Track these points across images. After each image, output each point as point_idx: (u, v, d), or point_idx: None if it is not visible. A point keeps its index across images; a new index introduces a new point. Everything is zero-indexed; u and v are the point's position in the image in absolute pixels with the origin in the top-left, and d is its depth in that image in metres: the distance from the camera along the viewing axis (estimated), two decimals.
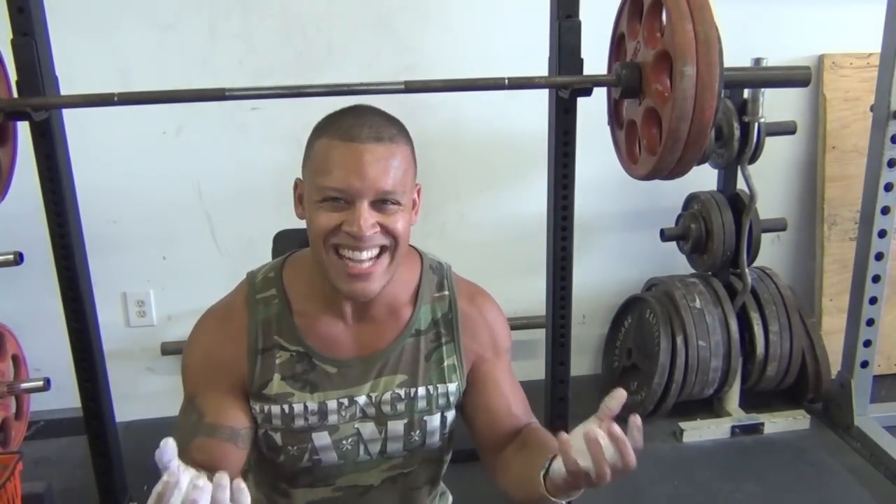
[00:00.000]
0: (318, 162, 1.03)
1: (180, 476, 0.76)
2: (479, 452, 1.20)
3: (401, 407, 1.14)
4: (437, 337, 1.16)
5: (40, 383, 2.11)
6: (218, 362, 1.11)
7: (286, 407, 1.11)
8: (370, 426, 1.14)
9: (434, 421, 1.16)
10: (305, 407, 1.12)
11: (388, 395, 1.14)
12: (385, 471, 1.19)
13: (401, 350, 1.15)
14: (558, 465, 0.94)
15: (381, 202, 1.02)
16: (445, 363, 1.16)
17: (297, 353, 1.12)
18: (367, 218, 1.00)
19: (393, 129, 1.05)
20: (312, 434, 1.13)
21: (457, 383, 1.17)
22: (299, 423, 1.12)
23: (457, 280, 1.21)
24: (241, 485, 0.79)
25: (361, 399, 1.13)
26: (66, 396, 2.30)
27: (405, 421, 1.15)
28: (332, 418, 1.13)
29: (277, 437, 1.13)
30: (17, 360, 2.26)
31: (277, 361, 1.11)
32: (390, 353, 1.14)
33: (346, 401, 1.13)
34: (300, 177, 1.10)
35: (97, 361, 1.89)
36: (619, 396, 0.93)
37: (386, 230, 1.03)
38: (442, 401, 1.16)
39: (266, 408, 1.12)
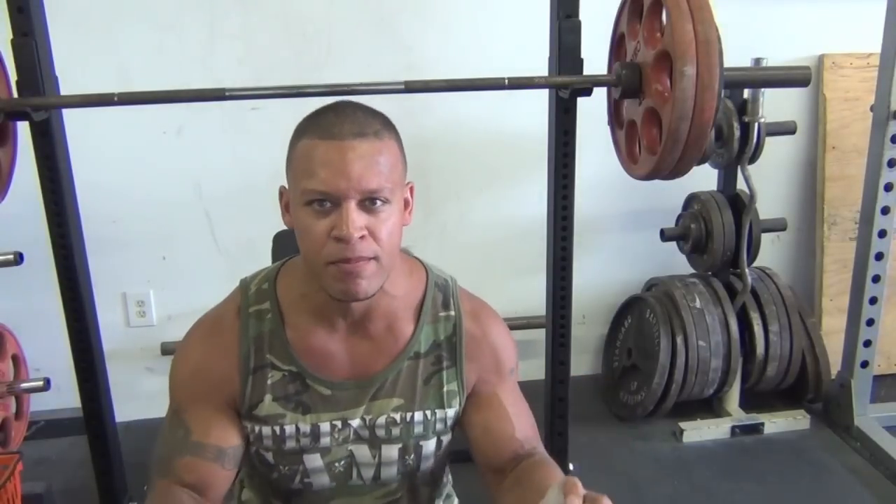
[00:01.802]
0: (301, 164, 0.98)
1: None
2: (480, 471, 1.14)
3: (396, 431, 1.10)
4: (437, 360, 1.11)
5: (40, 383, 2.11)
6: (207, 378, 1.08)
7: (277, 428, 1.08)
8: (364, 449, 1.10)
9: (430, 446, 1.12)
10: (297, 429, 1.08)
11: (382, 419, 1.09)
12: (378, 497, 1.15)
13: (398, 373, 1.09)
14: None
15: (369, 201, 0.96)
16: (445, 388, 1.11)
17: (289, 372, 1.08)
18: (356, 220, 0.95)
19: (377, 123, 0.99)
20: (304, 456, 1.10)
21: (456, 408, 1.12)
22: (290, 444, 1.09)
23: (462, 297, 1.15)
24: None
25: (355, 422, 1.09)
26: (66, 396, 2.31)
27: (399, 445, 1.11)
28: (325, 440, 1.09)
29: (269, 457, 1.10)
30: (17, 360, 2.26)
31: (269, 381, 1.07)
32: (387, 375, 1.09)
33: (339, 423, 1.09)
34: (284, 184, 1.05)
35: (97, 361, 1.89)
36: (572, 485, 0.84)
37: (375, 236, 0.97)
38: (440, 426, 1.12)
39: (257, 428, 1.08)
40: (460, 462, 1.26)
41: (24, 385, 2.15)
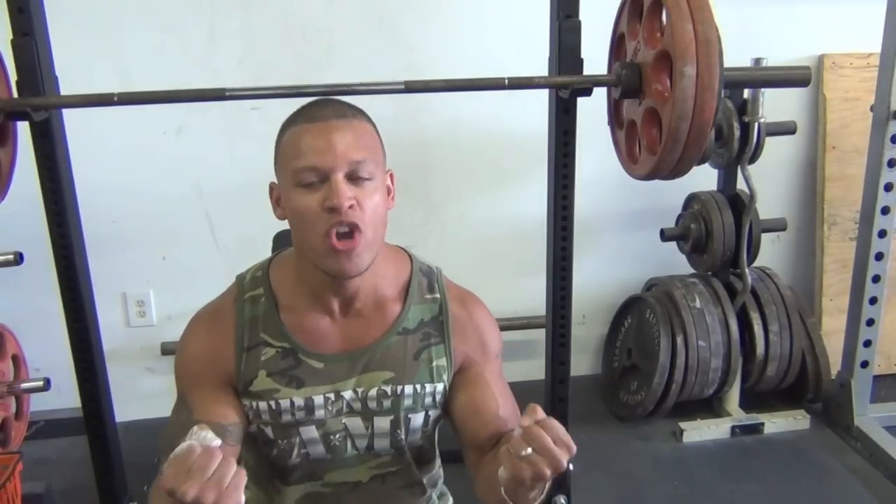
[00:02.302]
0: (289, 150, 1.06)
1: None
2: (464, 455, 1.20)
3: (387, 403, 1.15)
4: (425, 337, 1.17)
5: (40, 383, 2.11)
6: (206, 360, 1.14)
7: (272, 403, 1.13)
8: (356, 420, 1.16)
9: (418, 419, 1.17)
10: (292, 402, 1.13)
11: (374, 391, 1.15)
12: (373, 468, 1.20)
13: (387, 347, 1.15)
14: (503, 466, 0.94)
15: (356, 176, 1.04)
16: (435, 363, 1.17)
17: (282, 349, 1.14)
18: (345, 189, 1.02)
19: (354, 110, 1.10)
20: (300, 428, 1.15)
21: (444, 383, 1.18)
22: (287, 417, 1.14)
23: (447, 284, 1.21)
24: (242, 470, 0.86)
25: (347, 394, 1.15)
26: (66, 396, 2.30)
27: (391, 418, 1.16)
28: (319, 413, 1.14)
29: (269, 431, 1.15)
30: (17, 360, 2.26)
31: (263, 358, 1.13)
32: (376, 349, 1.15)
33: (332, 395, 1.14)
34: (274, 181, 1.12)
35: (97, 361, 1.89)
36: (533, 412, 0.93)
37: (362, 207, 1.04)
38: (428, 400, 1.17)
39: (254, 404, 1.14)
40: (455, 462, 1.28)
41: (24, 385, 2.15)
